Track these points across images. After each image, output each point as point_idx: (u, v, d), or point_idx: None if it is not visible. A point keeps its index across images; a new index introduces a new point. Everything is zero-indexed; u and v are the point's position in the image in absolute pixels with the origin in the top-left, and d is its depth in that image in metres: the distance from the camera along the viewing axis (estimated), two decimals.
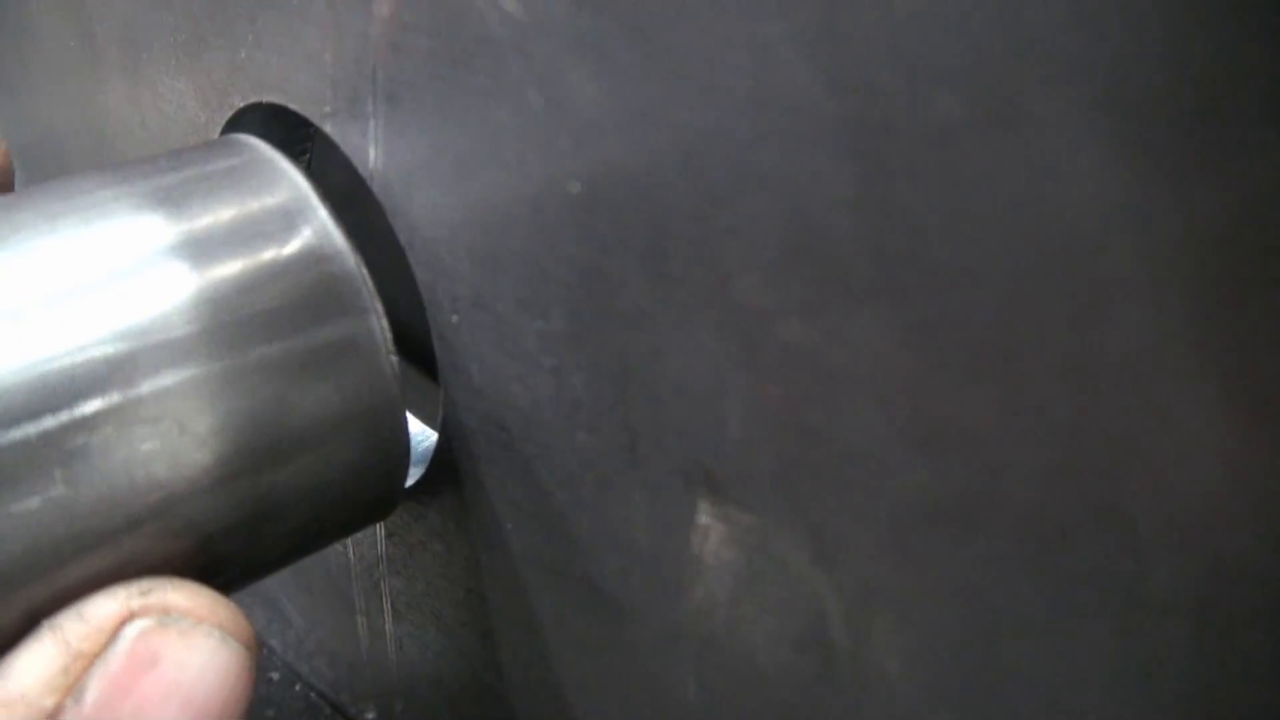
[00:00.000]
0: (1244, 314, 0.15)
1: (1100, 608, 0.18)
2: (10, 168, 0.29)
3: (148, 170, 0.25)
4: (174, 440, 0.22)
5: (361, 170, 0.27)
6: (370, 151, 0.26)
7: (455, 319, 0.26)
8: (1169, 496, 0.16)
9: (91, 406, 0.21)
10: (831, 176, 0.18)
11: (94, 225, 0.23)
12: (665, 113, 0.20)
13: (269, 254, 0.24)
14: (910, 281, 0.18)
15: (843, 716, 0.22)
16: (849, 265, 0.19)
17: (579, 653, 0.28)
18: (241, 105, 0.30)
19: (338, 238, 0.25)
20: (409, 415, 0.28)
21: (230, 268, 0.23)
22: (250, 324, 0.23)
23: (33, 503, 0.20)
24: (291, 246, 0.24)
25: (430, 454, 0.30)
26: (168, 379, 0.22)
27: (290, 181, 0.25)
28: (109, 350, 0.22)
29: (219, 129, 0.32)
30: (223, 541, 0.23)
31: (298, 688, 0.42)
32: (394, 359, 0.25)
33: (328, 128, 0.27)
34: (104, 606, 0.21)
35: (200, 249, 0.23)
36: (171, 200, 0.24)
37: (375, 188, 0.27)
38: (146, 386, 0.22)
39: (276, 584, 0.41)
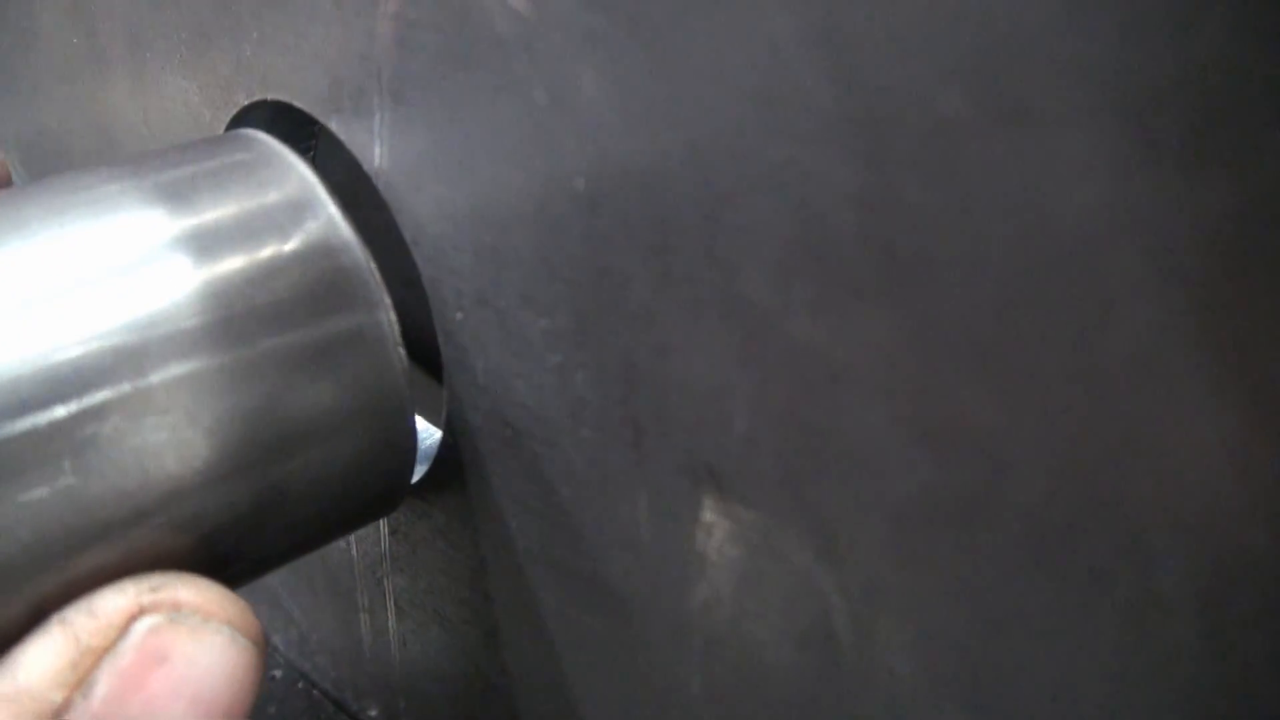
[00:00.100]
0: (1250, 313, 0.15)
1: (1106, 606, 0.18)
2: (9, 180, 0.29)
3: (156, 163, 0.25)
4: (183, 431, 0.22)
5: (366, 167, 0.27)
6: (375, 149, 0.26)
7: (460, 316, 0.26)
8: (1175, 495, 0.17)
9: (101, 396, 0.21)
10: (838, 174, 0.18)
11: (103, 217, 0.23)
12: (671, 110, 0.20)
13: (278, 246, 0.24)
14: (916, 280, 0.18)
15: (847, 713, 0.22)
16: (855, 263, 0.19)
17: (583, 650, 0.28)
18: (246, 103, 0.30)
19: (346, 231, 0.25)
20: None
21: (239, 260, 0.23)
22: (259, 316, 0.23)
23: (41, 492, 0.20)
24: (300, 239, 0.24)
25: (434, 451, 0.30)
26: (177, 370, 0.22)
27: (298, 175, 0.25)
28: (119, 341, 0.22)
29: (223, 127, 0.32)
30: (229, 535, 0.23)
31: (300, 685, 0.42)
32: (402, 352, 0.25)
33: (333, 125, 0.27)
34: (114, 601, 0.21)
35: (209, 241, 0.23)
36: (180, 193, 0.24)
37: (380, 185, 0.27)
38: (156, 377, 0.22)
39: (279, 581, 0.41)
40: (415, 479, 0.30)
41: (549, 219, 0.23)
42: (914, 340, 0.18)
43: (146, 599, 0.21)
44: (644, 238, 0.21)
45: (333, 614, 0.38)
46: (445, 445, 0.29)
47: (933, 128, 0.17)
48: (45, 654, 0.21)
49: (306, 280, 0.24)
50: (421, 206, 0.26)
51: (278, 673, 0.43)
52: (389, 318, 0.25)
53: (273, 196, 0.25)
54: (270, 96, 0.29)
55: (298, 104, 0.28)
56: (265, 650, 0.23)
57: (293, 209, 0.25)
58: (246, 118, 0.31)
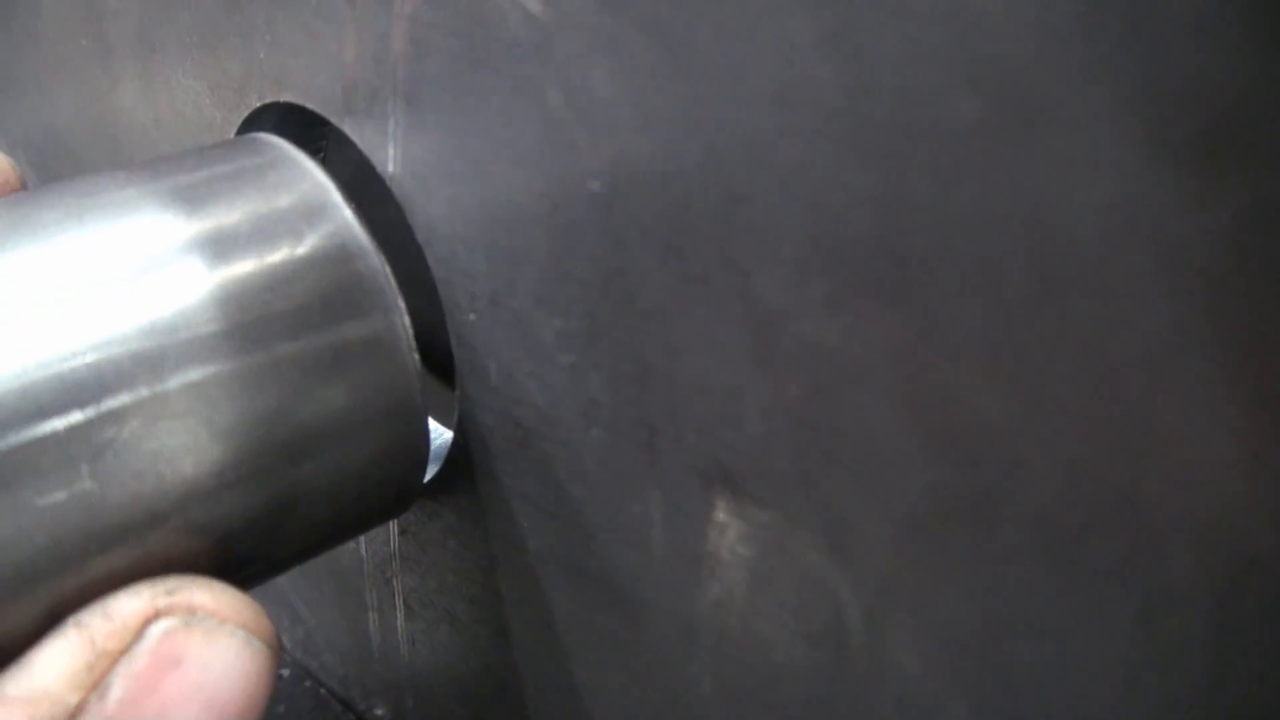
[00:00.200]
0: (1262, 315, 0.15)
1: (1119, 602, 0.18)
2: (23, 185, 0.29)
3: (173, 168, 0.25)
4: (199, 436, 0.22)
5: (380, 169, 0.27)
6: (389, 150, 0.26)
7: (473, 317, 0.26)
8: (1186, 494, 0.17)
9: (119, 402, 0.21)
10: (852, 176, 0.18)
11: (121, 222, 0.23)
12: (686, 112, 0.20)
13: (294, 252, 0.24)
14: (930, 280, 0.18)
15: (858, 712, 0.22)
16: (869, 264, 0.19)
17: (594, 649, 0.28)
18: (258, 105, 0.30)
19: (362, 236, 0.25)
20: None
21: (256, 265, 0.24)
22: (276, 321, 0.23)
23: (59, 496, 0.21)
24: (317, 244, 0.24)
25: (445, 451, 0.30)
26: (194, 375, 0.22)
27: (314, 180, 0.25)
28: (137, 346, 0.22)
29: (234, 129, 0.32)
30: (244, 538, 0.23)
31: (308, 684, 0.42)
32: (415, 357, 0.25)
33: (346, 127, 0.28)
34: (129, 604, 0.21)
35: (226, 246, 0.23)
36: (197, 198, 0.24)
37: (394, 187, 0.27)
38: (174, 382, 0.22)
39: (287, 580, 0.41)
40: (426, 479, 0.30)
41: (563, 220, 0.23)
42: (927, 340, 0.19)
43: (162, 602, 0.21)
44: (658, 239, 0.22)
45: (341, 613, 0.38)
46: (456, 445, 0.29)
47: (947, 130, 0.17)
48: (61, 656, 0.21)
49: (323, 286, 0.24)
50: (435, 208, 0.26)
51: (285, 671, 0.43)
52: (403, 322, 0.25)
53: (289, 201, 0.25)
54: (283, 98, 0.29)
55: (311, 106, 0.28)
56: (279, 653, 0.23)
57: (309, 214, 0.25)
58: (257, 119, 0.31)
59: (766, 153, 0.19)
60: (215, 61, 0.31)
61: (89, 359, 0.21)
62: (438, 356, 0.29)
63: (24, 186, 0.29)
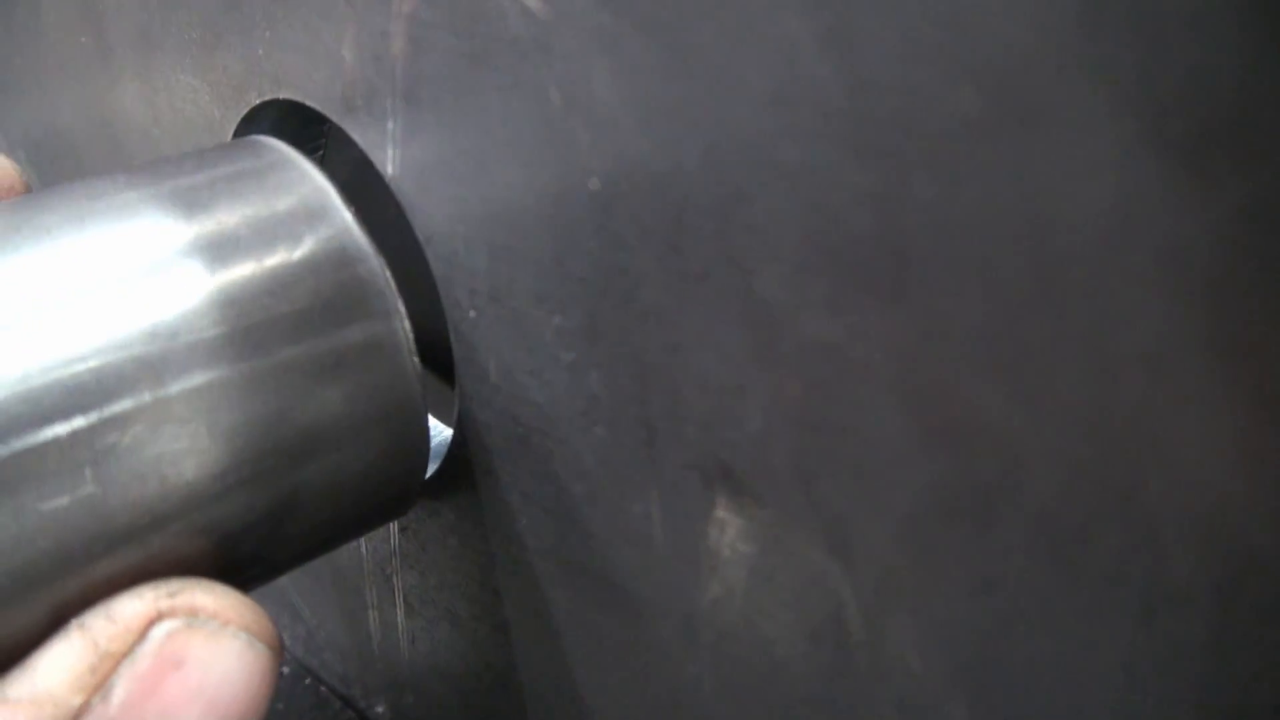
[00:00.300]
0: (1261, 313, 0.15)
1: (1119, 601, 0.18)
2: (26, 188, 0.29)
3: (173, 171, 0.25)
4: (201, 440, 0.22)
5: (379, 167, 0.27)
6: (389, 148, 0.26)
7: (473, 314, 0.26)
8: (1186, 492, 0.17)
9: (122, 407, 0.21)
10: (852, 174, 0.18)
11: (122, 226, 0.23)
12: (686, 110, 0.20)
13: (295, 256, 0.24)
14: (930, 279, 0.18)
15: (859, 709, 0.22)
16: (869, 262, 0.19)
17: (594, 647, 0.28)
18: (258, 102, 0.30)
19: (362, 240, 0.25)
20: None
21: (257, 270, 0.24)
22: (277, 326, 0.23)
23: (63, 501, 0.21)
24: (317, 249, 0.24)
25: (444, 449, 0.30)
26: (197, 379, 0.22)
27: (315, 183, 0.25)
28: (139, 350, 0.22)
29: (234, 126, 0.32)
30: (245, 540, 0.24)
31: (308, 682, 0.43)
32: (416, 360, 0.25)
33: (346, 125, 0.28)
34: (132, 606, 0.21)
35: (227, 250, 0.24)
36: (198, 202, 0.24)
37: (393, 185, 0.27)
38: (176, 387, 0.22)
39: (287, 579, 0.41)
40: (426, 477, 0.30)
41: (563, 218, 0.23)
42: (927, 338, 0.19)
43: (164, 604, 0.22)
44: (658, 237, 0.22)
45: (341, 610, 0.38)
46: (456, 443, 0.29)
47: (946, 128, 0.17)
48: (65, 658, 0.21)
49: (323, 290, 0.24)
50: (435, 206, 0.26)
51: (285, 669, 0.43)
52: (404, 326, 0.25)
53: (289, 205, 0.25)
54: (282, 96, 0.29)
55: (310, 104, 0.28)
56: (280, 654, 0.23)
57: (309, 217, 0.25)
58: (257, 117, 0.31)
59: (766, 151, 0.19)
60: (214, 59, 0.31)
61: (92, 364, 0.21)
62: (439, 354, 0.29)
63: (27, 189, 0.29)
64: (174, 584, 0.22)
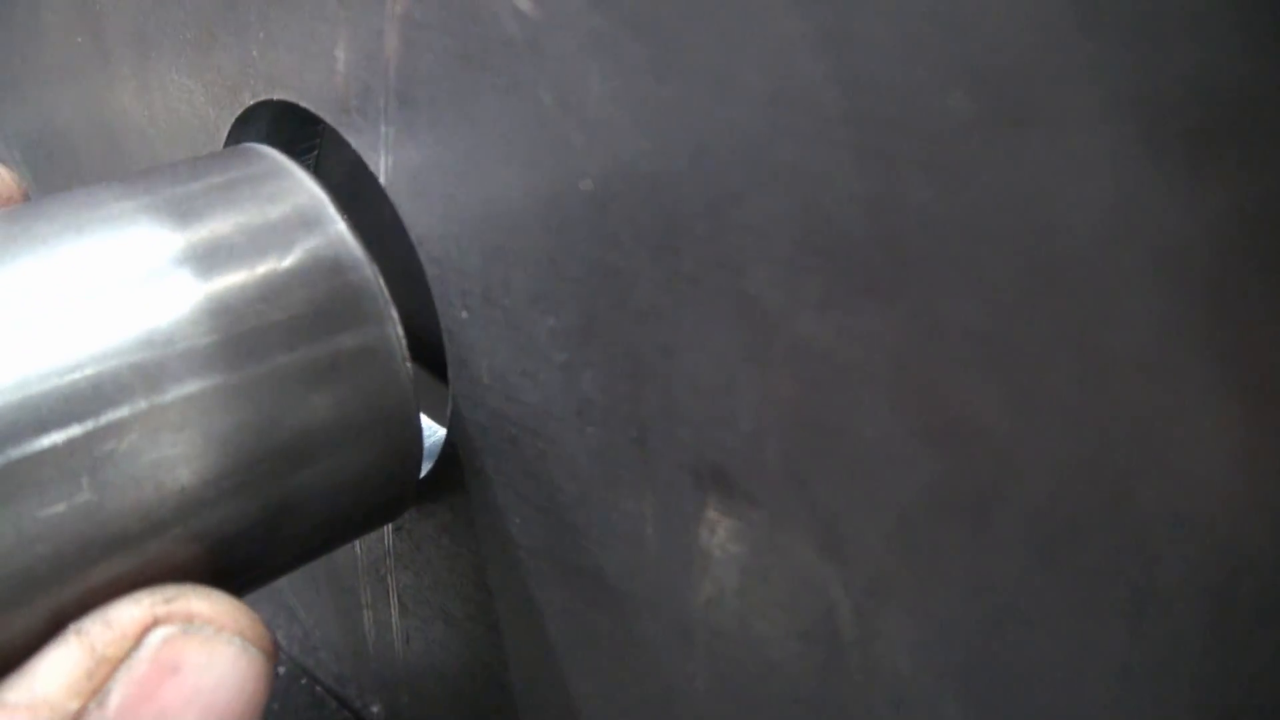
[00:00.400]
0: (1255, 313, 0.15)
1: (1111, 601, 0.18)
2: (25, 197, 0.29)
3: (168, 180, 0.25)
4: (197, 446, 0.22)
5: (373, 167, 0.27)
6: (382, 149, 0.27)
7: (465, 315, 0.26)
8: (1180, 492, 0.17)
9: (119, 413, 0.21)
10: (845, 174, 0.18)
11: (118, 235, 0.23)
12: (678, 110, 0.20)
13: (289, 264, 0.24)
14: (923, 279, 0.18)
15: (851, 709, 0.22)
16: (862, 262, 0.19)
17: (587, 646, 0.28)
18: (252, 103, 0.30)
19: (355, 248, 0.25)
20: None
21: (251, 278, 0.24)
22: (271, 332, 0.23)
23: (60, 508, 0.21)
24: (311, 257, 0.25)
25: (438, 449, 0.30)
26: (192, 386, 0.22)
27: (308, 191, 0.26)
28: (135, 358, 0.22)
29: (229, 126, 0.32)
30: (241, 545, 0.24)
31: (303, 681, 0.43)
32: (409, 365, 0.26)
33: (339, 125, 0.28)
34: (129, 612, 0.21)
35: (222, 259, 0.24)
36: (193, 210, 0.24)
37: (386, 185, 0.27)
38: (172, 394, 0.22)
39: (283, 579, 0.41)
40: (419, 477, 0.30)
41: (556, 219, 0.23)
42: (920, 339, 0.19)
43: (161, 610, 0.22)
44: (651, 237, 0.22)
45: (336, 610, 0.38)
46: (449, 443, 0.29)
47: (940, 128, 0.17)
48: (62, 663, 0.21)
49: (317, 297, 0.24)
50: (428, 206, 0.26)
51: (280, 669, 0.43)
52: (396, 331, 0.25)
53: (283, 213, 0.25)
54: (276, 96, 0.29)
55: (304, 104, 0.28)
56: (275, 659, 0.23)
57: (303, 226, 0.25)
58: (251, 117, 0.31)
59: (760, 151, 0.19)
60: (209, 60, 0.31)
61: (88, 371, 0.21)
62: (432, 353, 0.29)
63: (26, 197, 0.29)
64: (170, 590, 0.22)
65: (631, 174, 0.21)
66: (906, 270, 0.18)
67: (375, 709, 0.39)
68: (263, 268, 0.24)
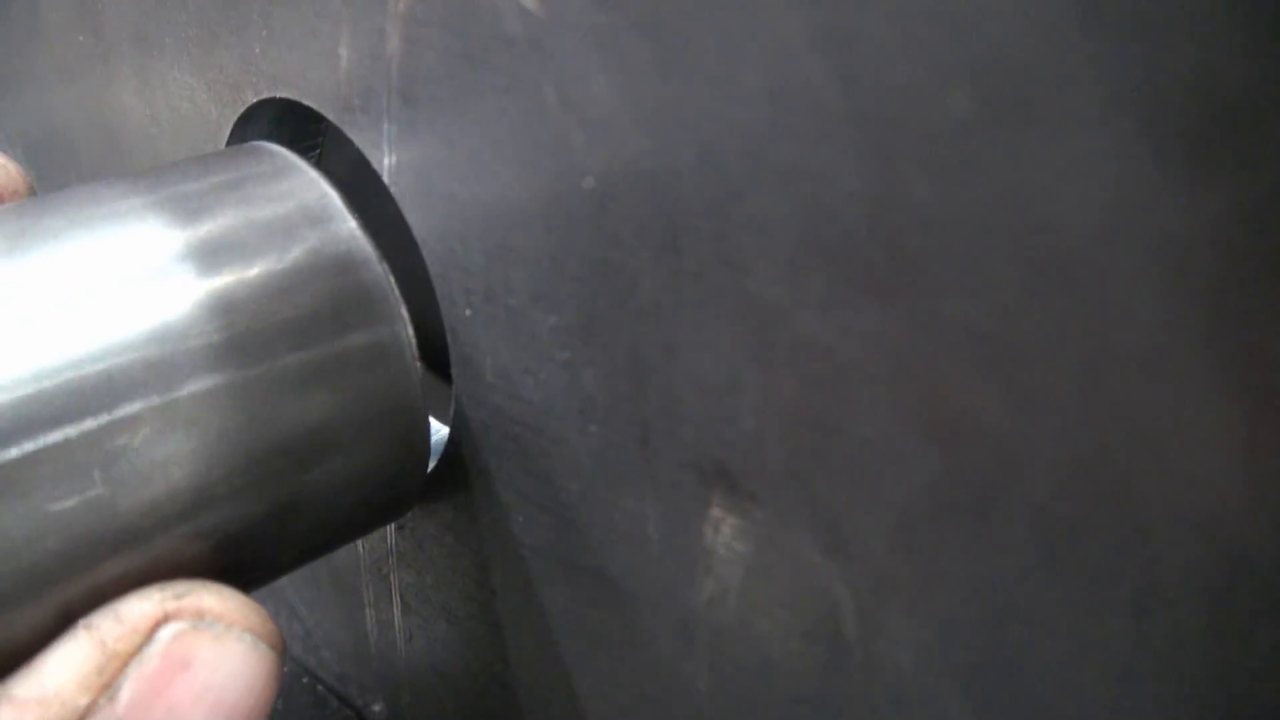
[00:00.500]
0: (1256, 312, 0.15)
1: (1113, 600, 0.18)
2: (31, 191, 0.29)
3: (178, 177, 0.25)
4: (210, 442, 0.22)
5: (376, 165, 0.27)
6: (385, 147, 0.27)
7: (468, 313, 0.26)
8: (1181, 491, 0.17)
9: (131, 409, 0.21)
10: (847, 173, 0.18)
11: (130, 231, 0.23)
12: (680, 109, 0.20)
13: (300, 261, 0.24)
14: (924, 277, 0.18)
15: (853, 707, 0.22)
16: (864, 261, 0.19)
17: (589, 645, 0.28)
18: (255, 101, 0.30)
19: (366, 245, 0.25)
20: None
21: (263, 275, 0.24)
22: (281, 330, 0.24)
23: (71, 502, 0.21)
24: (321, 255, 0.25)
25: (441, 447, 0.30)
26: (204, 382, 0.22)
27: (318, 189, 0.26)
28: (148, 354, 0.22)
29: (231, 125, 0.32)
30: (249, 542, 0.24)
31: (305, 680, 0.43)
32: (418, 364, 0.26)
33: (342, 124, 0.28)
34: (139, 608, 0.21)
35: (234, 256, 0.24)
36: (205, 207, 0.24)
37: (389, 183, 0.27)
38: (184, 390, 0.22)
39: (285, 578, 0.41)
40: None
41: (559, 217, 0.23)
42: (922, 337, 0.19)
43: (171, 606, 0.22)
44: (653, 236, 0.22)
45: (338, 609, 0.39)
46: (452, 441, 0.29)
47: (941, 127, 0.17)
48: (72, 659, 0.21)
49: (328, 295, 0.24)
50: (431, 204, 0.26)
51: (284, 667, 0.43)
52: (406, 330, 0.25)
53: (294, 211, 0.25)
54: (279, 95, 0.29)
55: (307, 102, 0.28)
56: (284, 656, 0.23)
57: (314, 224, 0.25)
58: (254, 116, 0.31)
59: (762, 150, 0.19)
60: (211, 58, 0.31)
61: (101, 366, 0.21)
62: (436, 351, 0.29)
63: (32, 192, 0.29)
64: (180, 586, 0.22)
65: (633, 173, 0.21)
66: (908, 269, 0.18)
67: (377, 708, 0.39)
68: (274, 265, 0.24)
